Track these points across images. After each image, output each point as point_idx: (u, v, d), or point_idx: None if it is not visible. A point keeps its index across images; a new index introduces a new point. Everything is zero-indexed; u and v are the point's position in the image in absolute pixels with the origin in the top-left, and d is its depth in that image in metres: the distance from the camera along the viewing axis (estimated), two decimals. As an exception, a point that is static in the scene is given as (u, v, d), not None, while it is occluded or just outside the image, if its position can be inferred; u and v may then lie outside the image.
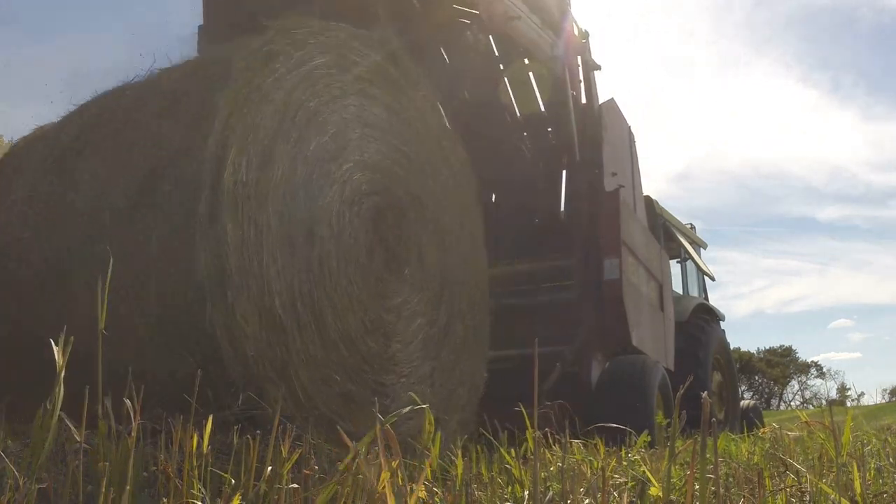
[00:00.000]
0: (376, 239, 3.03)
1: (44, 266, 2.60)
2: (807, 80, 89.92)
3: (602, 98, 5.81)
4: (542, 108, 5.68)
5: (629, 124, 6.24)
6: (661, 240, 7.14)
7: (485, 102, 5.70)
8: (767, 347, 41.56)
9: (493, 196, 6.29)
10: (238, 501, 1.29)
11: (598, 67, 5.81)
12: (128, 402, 1.34)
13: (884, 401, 30.35)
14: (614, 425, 3.49)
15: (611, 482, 1.84)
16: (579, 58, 5.65)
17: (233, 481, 1.49)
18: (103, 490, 1.14)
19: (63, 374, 1.20)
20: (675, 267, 8.30)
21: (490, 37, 5.25)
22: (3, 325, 2.67)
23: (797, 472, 1.88)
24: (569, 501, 1.53)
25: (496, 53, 5.31)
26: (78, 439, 1.30)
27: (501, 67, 5.45)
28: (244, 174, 2.41)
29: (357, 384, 2.74)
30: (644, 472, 1.80)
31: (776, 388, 40.94)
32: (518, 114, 5.78)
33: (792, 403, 40.11)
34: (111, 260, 1.57)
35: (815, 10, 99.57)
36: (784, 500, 1.59)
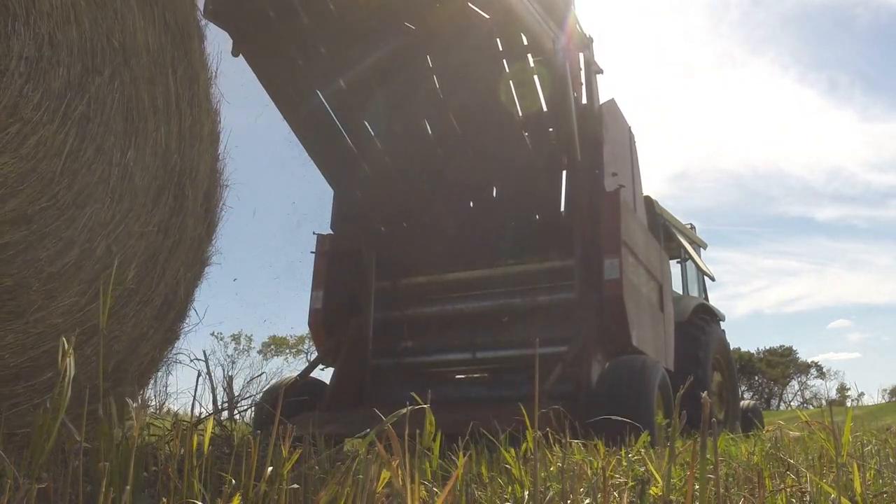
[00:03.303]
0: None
1: None
2: (804, 80, 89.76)
3: (602, 99, 5.83)
4: (545, 108, 5.68)
5: (629, 125, 6.25)
6: (661, 240, 7.14)
7: (487, 102, 5.70)
8: (767, 347, 41.59)
9: (494, 195, 6.30)
10: (238, 501, 1.29)
11: (601, 71, 5.82)
12: (129, 401, 1.34)
13: (884, 401, 30.41)
14: (615, 418, 3.50)
15: (611, 482, 1.83)
16: (581, 57, 5.65)
17: (233, 481, 1.49)
18: (103, 490, 1.14)
19: (70, 376, 1.20)
20: (675, 267, 8.31)
21: (497, 39, 5.25)
22: None
23: (797, 472, 1.88)
24: (569, 501, 1.53)
25: (500, 48, 5.31)
26: (78, 439, 1.29)
27: (506, 67, 5.45)
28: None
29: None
30: (646, 470, 1.80)
31: (776, 389, 40.94)
32: (520, 113, 5.78)
33: (792, 403, 40.12)
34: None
35: (812, 9, 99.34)
36: (784, 500, 1.58)
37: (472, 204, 6.32)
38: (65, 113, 2.43)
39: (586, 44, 5.73)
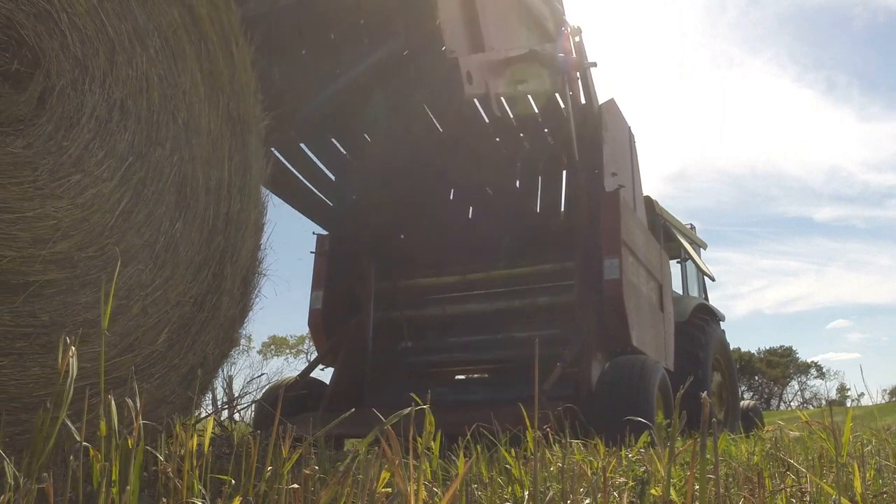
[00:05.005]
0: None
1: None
2: (801, 80, 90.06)
3: (602, 99, 5.83)
4: (536, 111, 5.67)
5: (629, 125, 6.25)
6: (661, 240, 7.14)
7: (485, 103, 5.70)
8: (767, 347, 41.61)
9: (493, 196, 6.29)
10: (238, 501, 1.29)
11: (594, 65, 5.81)
12: (129, 401, 1.34)
13: (883, 401, 30.37)
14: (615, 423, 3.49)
15: (611, 482, 1.83)
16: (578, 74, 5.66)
17: (233, 481, 1.49)
18: (103, 490, 1.14)
19: (72, 376, 1.20)
20: (675, 267, 8.31)
21: None
22: None
23: (797, 472, 1.88)
24: (569, 501, 1.53)
25: None
26: (78, 439, 1.29)
27: None
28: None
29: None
30: (645, 470, 1.80)
31: (776, 389, 40.95)
32: (512, 116, 5.76)
33: (792, 404, 40.13)
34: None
35: (809, 9, 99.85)
36: (784, 500, 1.58)
37: (471, 205, 6.32)
38: (124, 174, 2.58)
39: (578, 43, 5.73)
